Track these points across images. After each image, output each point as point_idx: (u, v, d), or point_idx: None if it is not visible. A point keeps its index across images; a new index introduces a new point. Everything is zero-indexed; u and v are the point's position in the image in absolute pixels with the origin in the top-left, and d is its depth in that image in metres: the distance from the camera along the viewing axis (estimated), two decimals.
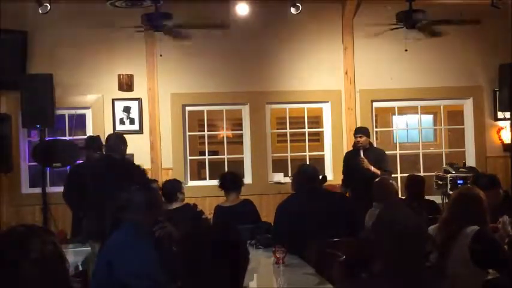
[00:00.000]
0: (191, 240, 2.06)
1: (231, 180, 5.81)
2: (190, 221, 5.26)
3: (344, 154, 7.80)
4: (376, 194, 5.31)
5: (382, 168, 6.90)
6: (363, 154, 6.96)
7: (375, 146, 8.21)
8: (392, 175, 7.88)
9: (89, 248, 5.23)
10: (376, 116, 8.74)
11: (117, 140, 6.02)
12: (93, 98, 7.91)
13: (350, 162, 7.17)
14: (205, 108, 8.31)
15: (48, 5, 7.01)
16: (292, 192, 5.32)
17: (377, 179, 5.59)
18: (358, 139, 7.08)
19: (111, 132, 7.80)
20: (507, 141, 8.34)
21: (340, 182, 7.75)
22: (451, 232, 3.75)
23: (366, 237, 2.57)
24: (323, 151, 8.51)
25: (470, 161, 8.35)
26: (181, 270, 2.01)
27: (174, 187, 5.67)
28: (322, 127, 8.54)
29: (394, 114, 9.02)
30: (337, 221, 4.77)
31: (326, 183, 6.90)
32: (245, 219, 5.27)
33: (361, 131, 7.19)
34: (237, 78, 8.15)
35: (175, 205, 5.55)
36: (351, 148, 7.43)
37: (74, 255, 4.87)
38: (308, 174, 5.17)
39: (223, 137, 8.63)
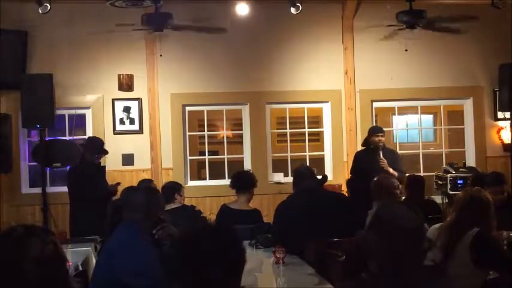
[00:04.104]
0: (188, 240, 2.06)
1: (241, 179, 5.66)
2: (191, 221, 5.26)
3: (345, 154, 7.77)
4: (374, 193, 5.19)
5: (397, 168, 6.72)
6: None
7: None
8: None
9: (89, 248, 5.23)
10: (376, 116, 8.74)
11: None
12: (93, 98, 7.91)
13: (364, 162, 6.88)
14: (205, 108, 8.31)
15: (48, 5, 7.01)
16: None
17: (375, 179, 5.32)
18: (380, 138, 6.81)
19: (111, 132, 7.84)
20: (507, 141, 8.34)
21: (340, 182, 7.75)
22: (456, 234, 3.76)
23: (364, 236, 2.57)
24: (323, 151, 8.50)
25: (470, 161, 8.35)
26: (179, 270, 2.01)
27: (172, 188, 5.63)
28: (322, 127, 8.53)
29: (394, 114, 9.02)
30: (337, 221, 4.77)
31: (326, 183, 6.91)
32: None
33: (382, 130, 6.93)
34: (237, 78, 8.15)
35: (172, 206, 5.52)
36: (361, 148, 7.25)
37: (74, 255, 4.87)
38: (306, 174, 5.17)
39: (223, 137, 8.62)
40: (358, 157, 7.15)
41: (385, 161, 6.70)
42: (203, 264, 1.97)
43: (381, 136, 6.84)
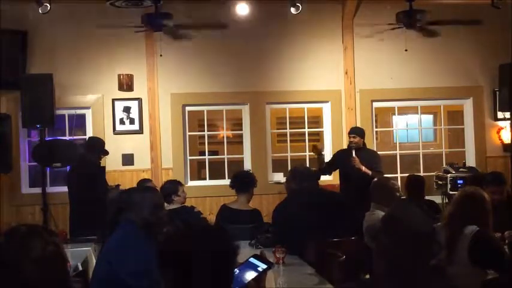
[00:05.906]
0: (177, 239, 2.07)
1: (241, 180, 5.64)
2: (190, 222, 5.25)
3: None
4: (374, 195, 5.11)
5: (374, 168, 6.84)
6: (355, 154, 6.94)
7: (375, 145, 8.26)
8: (392, 175, 7.91)
9: (89, 248, 5.23)
10: (376, 116, 8.74)
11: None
12: (93, 98, 7.91)
13: (341, 160, 7.10)
14: (205, 108, 8.31)
15: (48, 5, 7.01)
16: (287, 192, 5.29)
17: (375, 180, 5.35)
18: (352, 139, 7.05)
19: (111, 132, 7.84)
20: (507, 141, 8.34)
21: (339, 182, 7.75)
22: (452, 232, 3.76)
23: (376, 236, 2.54)
24: (323, 151, 8.49)
25: (470, 161, 8.35)
26: (174, 270, 2.02)
27: (170, 189, 5.59)
28: (322, 127, 8.54)
29: (394, 114, 9.02)
30: (337, 220, 4.77)
31: (326, 183, 6.93)
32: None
33: (355, 132, 7.15)
34: (237, 78, 8.15)
35: (171, 206, 5.51)
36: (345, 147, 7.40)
37: (74, 255, 4.86)
38: (305, 174, 5.16)
39: (223, 137, 8.63)
40: (337, 154, 7.38)
41: (357, 159, 6.87)
42: (193, 263, 1.97)
43: (352, 137, 7.06)
